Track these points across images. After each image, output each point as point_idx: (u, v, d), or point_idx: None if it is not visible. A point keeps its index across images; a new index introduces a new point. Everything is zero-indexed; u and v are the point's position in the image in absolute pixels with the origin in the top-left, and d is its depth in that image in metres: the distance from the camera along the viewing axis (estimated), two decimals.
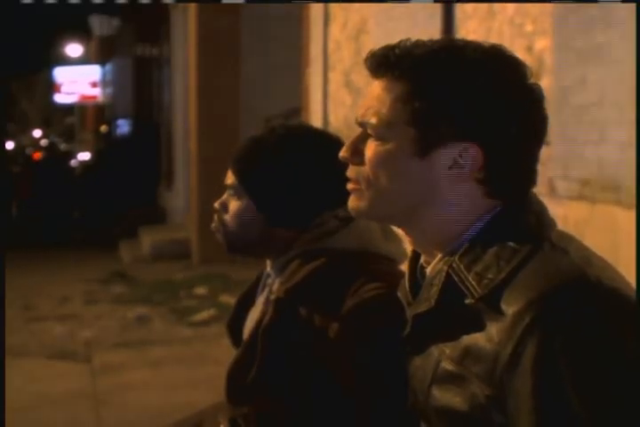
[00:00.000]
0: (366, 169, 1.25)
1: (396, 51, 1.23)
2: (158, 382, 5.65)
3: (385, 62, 1.24)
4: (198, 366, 5.93)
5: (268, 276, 1.83)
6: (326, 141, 1.70)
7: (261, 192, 1.73)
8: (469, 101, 1.19)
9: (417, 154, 1.22)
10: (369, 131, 1.25)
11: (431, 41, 1.24)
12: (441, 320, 1.20)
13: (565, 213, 3.69)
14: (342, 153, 1.29)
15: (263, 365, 1.61)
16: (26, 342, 6.72)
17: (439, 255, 1.25)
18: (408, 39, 1.25)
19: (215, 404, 2.04)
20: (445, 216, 1.23)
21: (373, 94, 1.25)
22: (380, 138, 1.24)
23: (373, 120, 1.24)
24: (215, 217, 1.81)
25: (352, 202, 1.28)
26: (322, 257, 1.65)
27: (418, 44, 1.23)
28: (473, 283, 1.17)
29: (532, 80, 1.24)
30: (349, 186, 1.28)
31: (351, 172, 1.28)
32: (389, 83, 1.24)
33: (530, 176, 1.25)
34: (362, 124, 1.27)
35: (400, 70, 1.22)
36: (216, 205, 1.81)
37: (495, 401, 1.13)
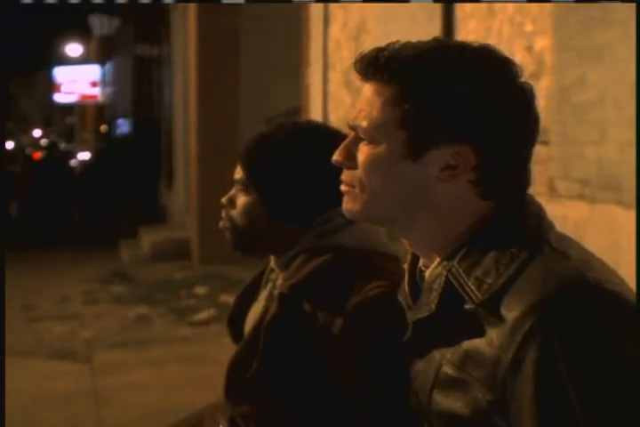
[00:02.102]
0: (359, 172, 1.25)
1: (385, 53, 1.23)
2: (158, 381, 5.65)
3: (374, 65, 1.24)
4: (198, 366, 5.93)
5: (272, 271, 1.83)
6: (334, 138, 1.70)
7: (270, 187, 1.73)
8: (459, 103, 1.19)
9: (409, 156, 1.22)
10: (360, 134, 1.25)
11: (421, 42, 1.24)
12: (441, 325, 1.20)
13: (565, 213, 3.69)
14: (335, 157, 1.29)
15: (264, 361, 1.61)
16: (26, 342, 6.72)
17: (438, 259, 1.25)
18: (397, 41, 1.25)
19: (215, 403, 2.03)
20: (441, 219, 1.23)
21: (365, 97, 1.25)
22: (372, 141, 1.24)
23: (364, 123, 1.24)
24: (223, 213, 1.81)
25: (346, 204, 1.29)
26: (327, 254, 1.65)
27: (407, 46, 1.23)
28: (473, 288, 1.17)
29: (523, 79, 1.23)
30: (343, 188, 1.29)
31: (345, 175, 1.28)
32: (379, 85, 1.24)
33: (523, 176, 1.25)
34: (353, 128, 1.27)
35: (389, 73, 1.22)
36: (223, 200, 1.81)
37: (497, 406, 1.13)
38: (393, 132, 1.22)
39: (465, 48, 1.23)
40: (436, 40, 1.25)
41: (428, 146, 1.21)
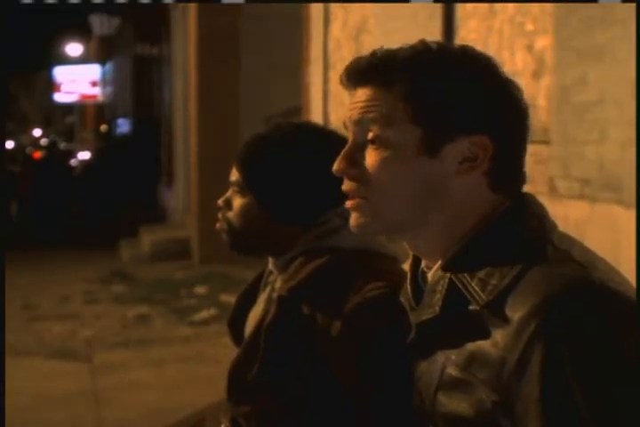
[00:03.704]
0: (370, 179, 1.22)
1: (377, 58, 1.23)
2: (158, 381, 5.65)
3: (370, 69, 1.22)
4: (198, 366, 5.93)
5: (270, 273, 1.83)
6: (332, 139, 1.70)
7: (266, 189, 1.72)
8: (468, 92, 1.20)
9: (426, 152, 1.20)
10: (370, 135, 1.22)
11: (407, 45, 1.24)
12: (445, 327, 1.20)
13: (566, 213, 3.69)
14: (337, 166, 1.24)
15: (265, 363, 1.61)
16: (26, 342, 6.72)
17: (441, 261, 1.25)
18: (380, 48, 1.25)
19: (216, 403, 2.04)
20: (449, 218, 1.22)
21: (365, 99, 1.23)
22: (384, 140, 1.21)
23: (375, 123, 1.22)
24: (219, 215, 1.80)
25: (355, 219, 1.24)
26: (325, 255, 1.64)
27: (396, 50, 1.23)
28: (477, 289, 1.17)
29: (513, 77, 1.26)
30: (349, 203, 1.24)
31: (347, 186, 1.24)
32: (380, 87, 1.22)
33: (523, 167, 1.26)
34: (359, 127, 1.24)
35: (391, 73, 1.21)
36: (219, 202, 1.80)
37: (502, 407, 1.12)
38: (407, 129, 1.20)
39: (451, 47, 1.25)
40: (421, 42, 1.25)
41: (445, 139, 1.20)
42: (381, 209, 1.22)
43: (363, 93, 1.24)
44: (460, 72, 1.21)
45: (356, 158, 1.24)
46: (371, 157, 1.22)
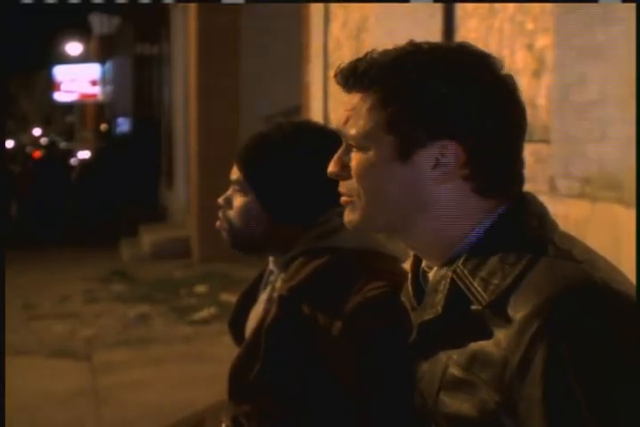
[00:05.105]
0: (354, 181, 1.26)
1: (364, 62, 1.25)
2: (159, 380, 5.65)
3: (354, 74, 1.25)
4: (199, 365, 5.93)
5: (271, 273, 1.82)
6: (332, 139, 1.70)
7: (267, 187, 1.73)
8: (440, 100, 1.20)
9: (399, 158, 1.22)
10: (349, 142, 1.27)
11: (397, 47, 1.26)
12: (447, 327, 1.20)
13: (566, 212, 3.68)
14: (330, 169, 1.30)
15: (265, 363, 1.61)
16: (26, 341, 6.72)
17: (441, 261, 1.25)
18: (374, 50, 1.26)
19: (216, 402, 2.04)
20: (441, 220, 1.23)
21: (350, 106, 1.27)
22: (362, 148, 1.25)
23: (352, 131, 1.25)
24: (220, 213, 1.80)
25: (346, 216, 1.29)
26: (325, 255, 1.64)
27: (384, 53, 1.25)
28: (479, 289, 1.17)
29: (504, 71, 1.24)
30: (342, 200, 1.29)
31: (342, 186, 1.29)
32: (362, 94, 1.25)
33: (516, 170, 1.25)
34: (343, 136, 1.28)
35: (369, 79, 1.24)
36: (220, 200, 1.80)
37: (505, 407, 1.12)
38: (380, 136, 1.23)
39: (440, 47, 1.25)
40: (412, 44, 1.26)
41: (416, 146, 1.22)
42: (368, 209, 1.26)
43: (351, 98, 1.27)
44: (436, 78, 1.21)
45: (345, 161, 1.28)
46: (353, 161, 1.27)
